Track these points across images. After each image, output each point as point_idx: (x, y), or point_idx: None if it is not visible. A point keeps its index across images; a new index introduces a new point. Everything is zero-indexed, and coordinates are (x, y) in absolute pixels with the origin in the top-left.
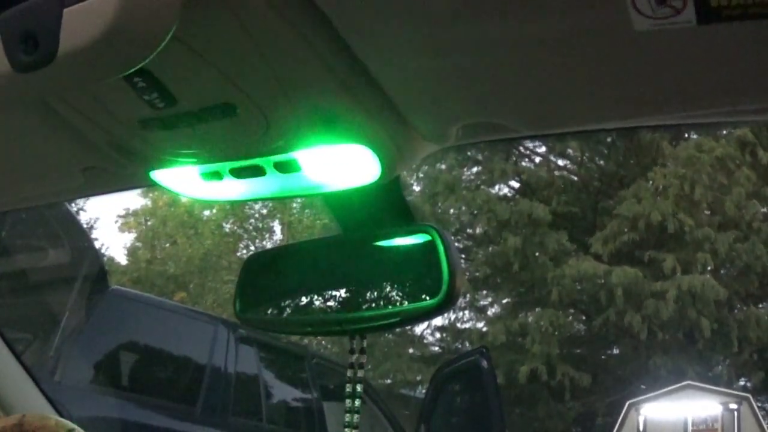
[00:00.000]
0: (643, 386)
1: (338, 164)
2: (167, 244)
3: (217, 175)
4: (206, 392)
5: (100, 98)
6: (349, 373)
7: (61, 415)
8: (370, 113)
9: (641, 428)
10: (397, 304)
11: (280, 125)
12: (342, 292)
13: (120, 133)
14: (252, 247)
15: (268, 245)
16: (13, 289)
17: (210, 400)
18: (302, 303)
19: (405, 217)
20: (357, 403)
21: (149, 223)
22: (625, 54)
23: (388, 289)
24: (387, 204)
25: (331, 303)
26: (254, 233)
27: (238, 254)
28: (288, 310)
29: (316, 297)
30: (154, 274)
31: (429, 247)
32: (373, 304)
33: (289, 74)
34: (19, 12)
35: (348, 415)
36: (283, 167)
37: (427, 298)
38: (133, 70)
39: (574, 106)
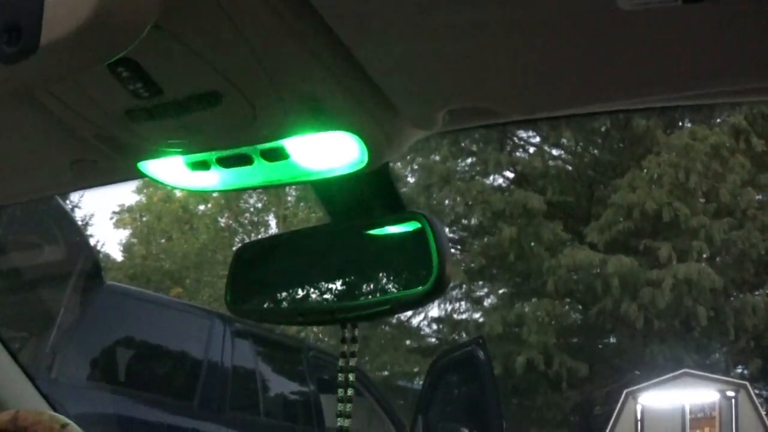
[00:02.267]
0: (639, 374)
1: (325, 152)
2: (162, 240)
3: (204, 165)
4: (203, 387)
5: (86, 90)
6: (341, 362)
7: (57, 412)
8: (357, 100)
9: (639, 416)
10: (388, 291)
11: (266, 113)
12: (332, 281)
13: (107, 125)
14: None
15: None
16: (9, 286)
17: (207, 395)
18: (293, 293)
19: (395, 205)
20: (349, 392)
21: (144, 219)
22: (611, 35)
23: (378, 277)
24: (376, 191)
25: (321, 292)
26: (249, 227)
27: (234, 248)
28: (279, 300)
29: (306, 286)
30: (149, 269)
31: (419, 235)
32: (364, 293)
33: (275, 62)
34: (0, 3)
35: (340, 404)
36: (270, 155)
37: (418, 285)
38: (116, 58)
39: (561, 89)
